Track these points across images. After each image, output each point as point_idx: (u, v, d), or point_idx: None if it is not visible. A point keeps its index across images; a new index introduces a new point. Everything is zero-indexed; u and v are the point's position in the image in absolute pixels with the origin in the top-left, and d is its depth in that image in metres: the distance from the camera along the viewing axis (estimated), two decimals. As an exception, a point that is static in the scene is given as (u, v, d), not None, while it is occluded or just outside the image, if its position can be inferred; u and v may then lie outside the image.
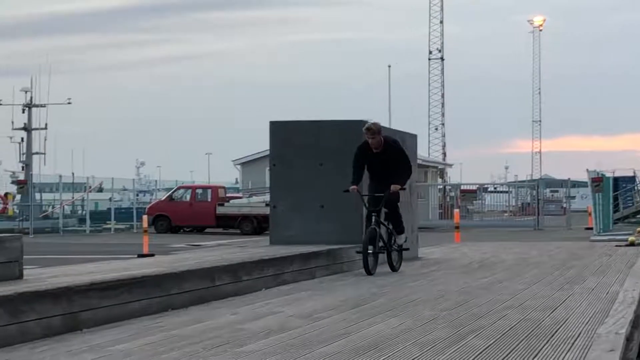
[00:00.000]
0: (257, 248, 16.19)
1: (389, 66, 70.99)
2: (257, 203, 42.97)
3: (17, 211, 53.63)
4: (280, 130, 16.59)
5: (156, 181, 72.34)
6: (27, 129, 58.29)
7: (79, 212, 58.38)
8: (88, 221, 51.46)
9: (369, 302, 10.63)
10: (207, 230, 43.64)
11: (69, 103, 60.67)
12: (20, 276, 9.05)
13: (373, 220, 14.00)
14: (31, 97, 58.50)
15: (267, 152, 17.52)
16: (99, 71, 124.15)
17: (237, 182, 65.98)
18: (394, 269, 14.60)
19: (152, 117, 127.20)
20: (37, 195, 56.01)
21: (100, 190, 61.84)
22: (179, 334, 8.16)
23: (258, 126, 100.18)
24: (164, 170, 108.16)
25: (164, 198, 48.41)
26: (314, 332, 8.25)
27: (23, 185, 55.03)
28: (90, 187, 58.18)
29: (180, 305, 10.08)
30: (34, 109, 58.45)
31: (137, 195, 61.32)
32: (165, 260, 13.69)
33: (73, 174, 59.19)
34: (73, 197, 58.48)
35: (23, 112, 58.60)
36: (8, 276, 8.83)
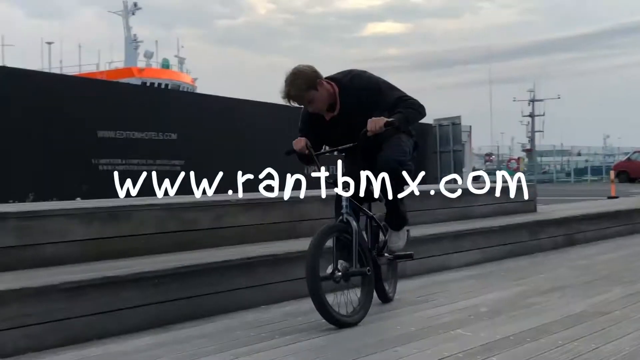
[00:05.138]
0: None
1: None
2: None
3: (526, 169, 53.68)
4: None
5: (618, 147, 68.25)
6: (531, 115, 59.05)
7: (566, 169, 56.95)
8: (572, 175, 50.28)
9: None
10: (655, 181, 40.57)
11: (559, 98, 60.62)
12: (534, 210, 9.11)
13: (344, 205, 4.13)
14: (534, 95, 59.33)
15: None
16: (578, 75, 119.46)
17: (676, 148, 60.72)
18: (386, 298, 4.68)
19: (618, 103, 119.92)
20: (539, 159, 56.44)
21: (579, 154, 60.02)
22: (643, 250, 7.77)
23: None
24: (624, 140, 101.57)
25: (624, 159, 45.41)
26: None
27: (529, 152, 56.44)
28: (572, 153, 57.47)
29: (642, 231, 9.58)
30: (536, 103, 58.87)
31: (605, 157, 58.62)
32: (628, 201, 13.01)
33: (562, 144, 59.13)
34: (562, 159, 57.49)
35: (529, 104, 59.60)
36: (528, 210, 8.95)
